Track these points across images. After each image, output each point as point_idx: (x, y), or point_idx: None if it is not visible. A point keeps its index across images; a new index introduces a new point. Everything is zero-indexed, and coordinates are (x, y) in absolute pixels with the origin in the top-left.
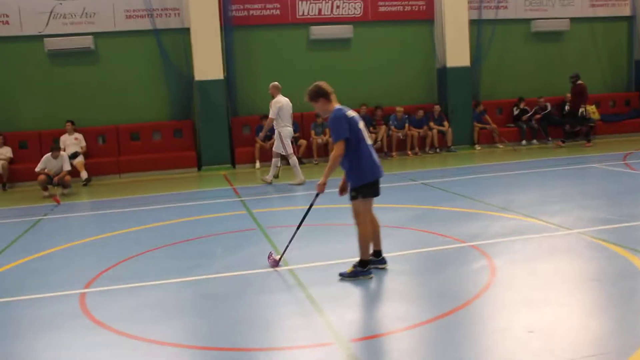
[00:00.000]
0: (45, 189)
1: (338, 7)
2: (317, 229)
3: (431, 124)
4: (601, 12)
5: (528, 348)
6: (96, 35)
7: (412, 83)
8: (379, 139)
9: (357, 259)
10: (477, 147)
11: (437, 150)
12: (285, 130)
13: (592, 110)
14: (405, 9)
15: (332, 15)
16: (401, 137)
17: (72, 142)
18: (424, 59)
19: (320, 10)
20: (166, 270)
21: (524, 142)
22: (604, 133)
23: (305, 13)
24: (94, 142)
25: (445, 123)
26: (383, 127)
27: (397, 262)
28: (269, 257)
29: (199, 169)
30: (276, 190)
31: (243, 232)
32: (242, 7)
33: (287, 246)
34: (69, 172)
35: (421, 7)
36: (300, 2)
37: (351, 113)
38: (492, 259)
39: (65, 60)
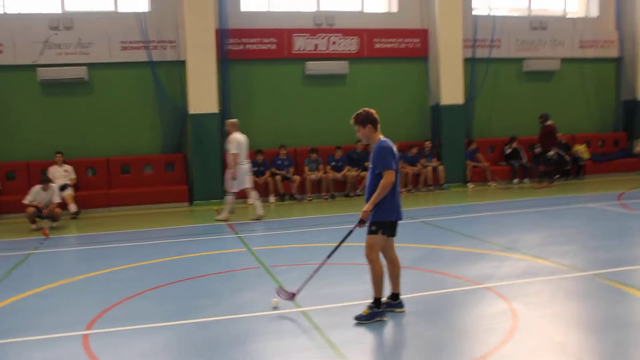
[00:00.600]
0: (34, 221)
1: (334, 43)
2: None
3: (422, 160)
4: (590, 54)
5: None
6: (90, 65)
7: (406, 119)
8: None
9: (371, 300)
10: (470, 185)
11: (431, 188)
12: (241, 167)
13: (582, 150)
14: (401, 46)
15: (328, 51)
16: None
17: (61, 174)
18: (418, 95)
19: (316, 46)
20: (171, 311)
21: (515, 180)
22: (593, 173)
23: (302, 48)
24: (83, 174)
25: (435, 159)
26: None
27: (412, 304)
28: (279, 292)
29: (190, 203)
30: (273, 228)
31: (246, 270)
32: (239, 41)
33: (308, 280)
34: (59, 205)
35: (416, 44)
36: (296, 38)
37: (395, 149)
38: (511, 302)
39: (58, 91)
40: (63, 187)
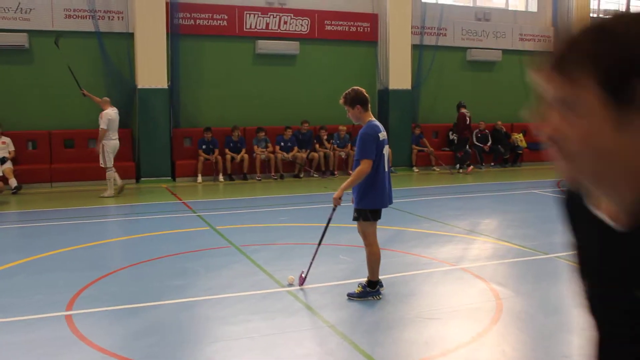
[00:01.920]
0: None
1: (285, 22)
2: (301, 248)
3: None
4: (529, 46)
5: None
6: (31, 33)
7: None
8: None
9: (364, 279)
10: (415, 169)
11: None
12: (111, 142)
13: (519, 138)
14: (351, 30)
15: (279, 31)
16: (343, 156)
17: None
18: (366, 79)
19: (267, 24)
20: (149, 291)
21: (457, 166)
22: (530, 160)
23: (253, 27)
24: (23, 148)
25: None
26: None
27: (395, 284)
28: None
29: (137, 180)
30: (231, 207)
31: (217, 249)
32: (189, 15)
33: (310, 265)
34: (1, 178)
35: (366, 28)
36: (247, 15)
37: (382, 135)
38: (489, 282)
39: None
40: (2, 161)
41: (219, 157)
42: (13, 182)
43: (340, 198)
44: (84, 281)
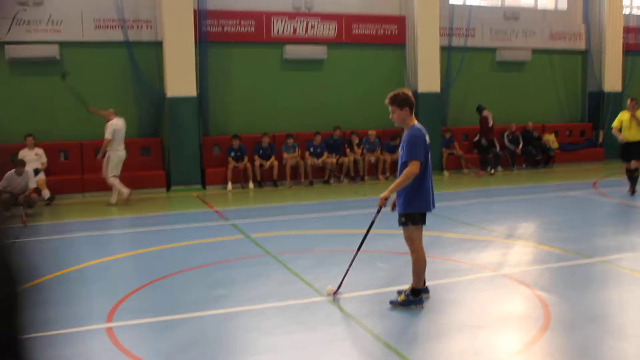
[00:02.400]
0: (9, 209)
1: (313, 27)
2: (337, 255)
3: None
4: (559, 45)
5: None
6: (62, 44)
7: (383, 107)
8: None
9: (405, 286)
10: (446, 172)
11: None
12: (117, 153)
13: (551, 139)
14: (378, 33)
15: (306, 35)
16: (372, 161)
17: (32, 157)
18: (395, 83)
19: (295, 29)
20: (188, 301)
21: (489, 168)
22: (562, 161)
23: (280, 32)
24: (55, 159)
25: None
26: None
27: (437, 292)
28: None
29: (168, 189)
30: (263, 214)
31: (253, 258)
32: (216, 22)
33: (347, 272)
34: (34, 190)
35: (394, 31)
36: (275, 21)
37: (428, 138)
38: (533, 289)
39: (28, 70)
40: (35, 172)
41: (249, 164)
42: (46, 194)
43: (386, 199)
44: (122, 293)
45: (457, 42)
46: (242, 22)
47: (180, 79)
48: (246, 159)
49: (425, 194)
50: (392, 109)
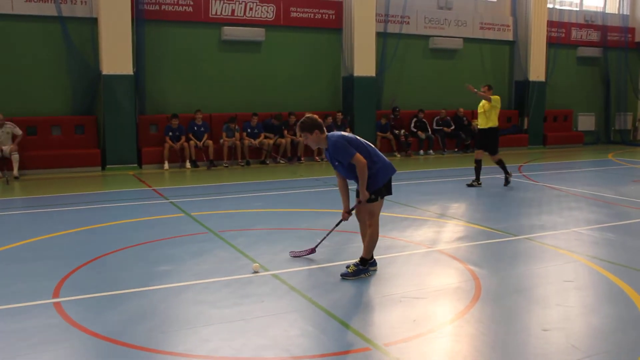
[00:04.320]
0: None
1: (251, 9)
2: (279, 233)
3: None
4: (489, 35)
5: (549, 345)
6: None
7: (320, 90)
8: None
9: (351, 261)
10: None
11: None
12: None
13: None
14: (316, 17)
15: (245, 17)
16: None
17: None
18: (331, 66)
19: (233, 10)
20: (134, 277)
21: (421, 152)
22: None
23: (218, 13)
24: None
25: (347, 130)
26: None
27: (380, 266)
28: (295, 253)
29: (103, 168)
30: (201, 194)
31: (195, 235)
32: (153, 0)
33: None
34: None
35: (331, 15)
36: (213, 1)
37: (346, 133)
38: (465, 263)
39: None
40: None
41: (186, 144)
42: None
43: (366, 195)
44: (66, 269)
45: (392, 28)
46: (180, 1)
47: (116, 57)
48: (183, 138)
49: (381, 167)
50: (304, 135)
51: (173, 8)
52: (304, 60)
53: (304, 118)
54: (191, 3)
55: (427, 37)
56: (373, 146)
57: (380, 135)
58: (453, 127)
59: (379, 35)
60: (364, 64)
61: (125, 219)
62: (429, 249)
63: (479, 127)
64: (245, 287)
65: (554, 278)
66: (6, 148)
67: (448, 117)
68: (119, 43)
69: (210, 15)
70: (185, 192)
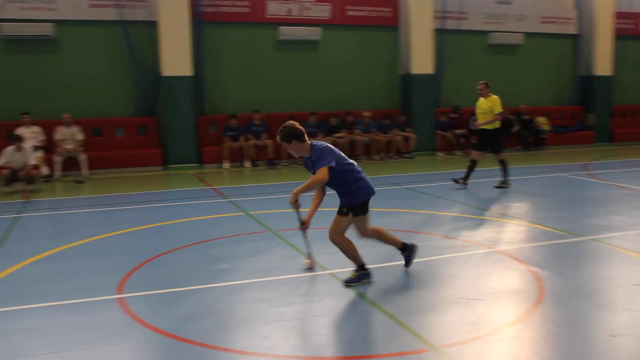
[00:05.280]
0: (9, 184)
1: (307, 8)
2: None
3: (395, 130)
4: (551, 29)
5: (618, 351)
6: (57, 22)
7: (376, 88)
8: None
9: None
10: (439, 154)
11: (406, 155)
12: None
13: (543, 122)
14: (372, 14)
15: (301, 16)
16: (367, 141)
17: (29, 135)
18: (388, 64)
19: (289, 10)
20: (194, 274)
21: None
22: (554, 144)
23: (275, 13)
24: (51, 136)
25: (409, 129)
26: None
27: (435, 267)
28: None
29: (164, 167)
30: (261, 192)
31: (254, 234)
32: (211, 2)
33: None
34: (35, 167)
35: (387, 13)
36: (269, 2)
37: (333, 147)
38: (528, 265)
39: (24, 48)
40: (34, 149)
41: (244, 144)
42: (44, 170)
43: (296, 201)
44: (129, 266)
45: (450, 25)
46: (237, 2)
47: (175, 59)
48: (242, 138)
49: (362, 185)
50: (285, 145)
51: (230, 9)
52: (360, 59)
53: (282, 127)
54: (248, 4)
55: (485, 33)
56: (357, 164)
57: (440, 133)
58: (517, 128)
59: (436, 32)
60: (421, 62)
61: (186, 218)
62: (489, 250)
63: (481, 127)
64: (304, 286)
65: (622, 281)
66: (70, 148)
67: (512, 116)
68: (178, 45)
69: (266, 16)
70: (245, 191)
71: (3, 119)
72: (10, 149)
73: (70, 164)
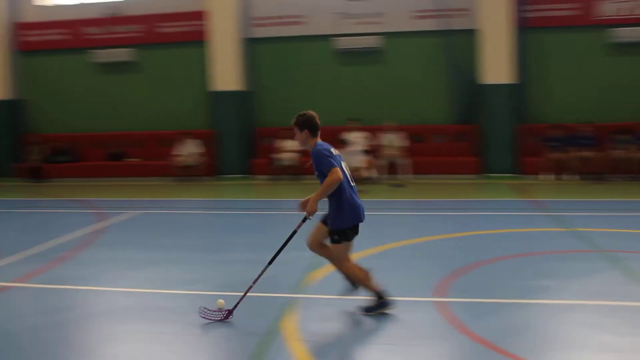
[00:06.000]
0: None
1: None
2: None
3: None
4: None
5: None
6: (384, 35)
7: None
8: None
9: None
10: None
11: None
12: None
13: None
14: None
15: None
16: None
17: (355, 139)
18: None
19: (619, 10)
20: (514, 288)
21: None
22: None
23: (606, 14)
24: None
25: None
26: None
27: None
28: (203, 312)
29: (480, 176)
30: (587, 208)
31: (580, 253)
32: (537, 7)
33: (256, 279)
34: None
35: None
36: (600, 2)
37: (334, 150)
38: None
39: (352, 59)
40: (363, 153)
41: (564, 155)
42: (372, 173)
43: (314, 210)
44: (445, 271)
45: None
46: (562, 6)
47: (496, 66)
48: (566, 149)
49: (350, 207)
50: (295, 131)
51: (556, 13)
52: None
53: (303, 113)
54: (576, 6)
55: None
56: (353, 185)
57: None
58: None
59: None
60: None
61: (503, 229)
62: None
63: None
64: (635, 317)
65: None
66: (392, 153)
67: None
68: (499, 52)
69: (596, 17)
70: (568, 205)
71: (331, 124)
72: (339, 151)
73: (393, 168)
